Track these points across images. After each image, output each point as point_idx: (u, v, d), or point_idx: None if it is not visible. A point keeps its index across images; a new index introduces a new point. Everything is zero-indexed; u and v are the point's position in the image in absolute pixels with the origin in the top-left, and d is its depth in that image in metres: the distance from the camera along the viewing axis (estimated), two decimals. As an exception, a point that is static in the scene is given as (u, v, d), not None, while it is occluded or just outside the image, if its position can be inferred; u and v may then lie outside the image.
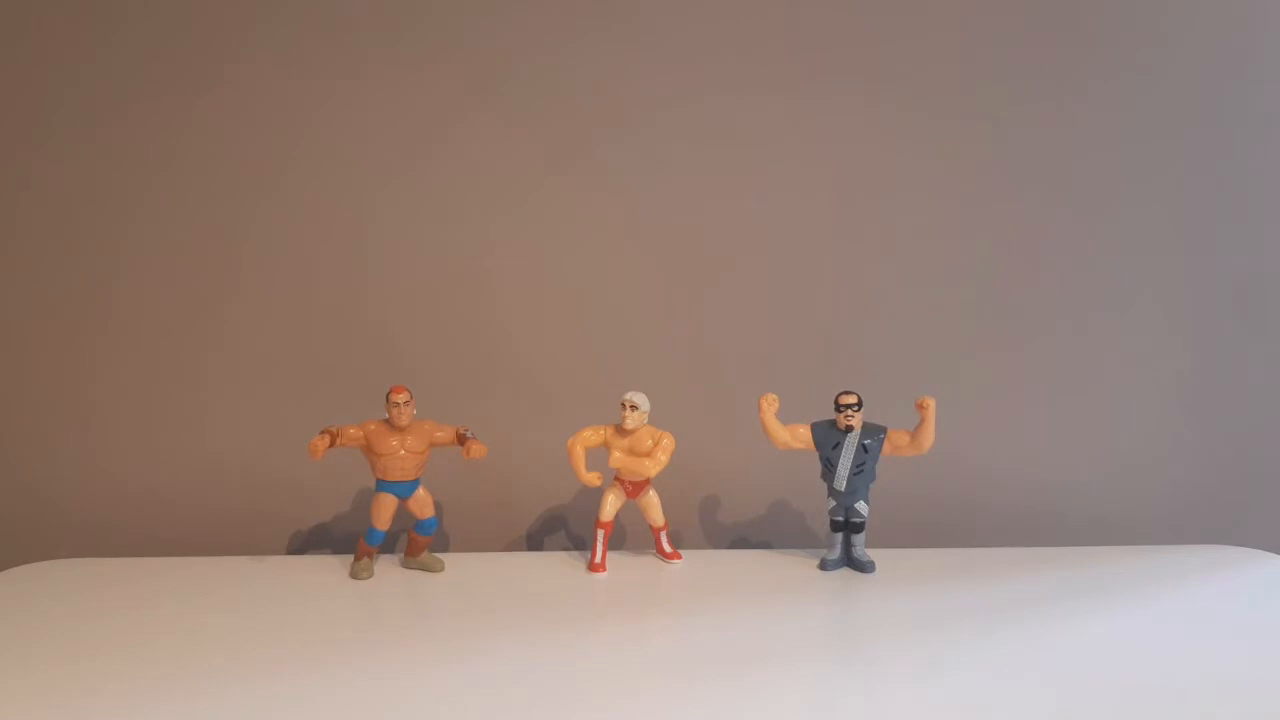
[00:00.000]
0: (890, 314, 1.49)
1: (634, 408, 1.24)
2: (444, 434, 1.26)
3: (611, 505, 1.29)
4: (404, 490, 1.25)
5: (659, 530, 1.31)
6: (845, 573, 1.27)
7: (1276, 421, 1.52)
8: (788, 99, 1.46)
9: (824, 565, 1.27)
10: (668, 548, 1.31)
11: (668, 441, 1.25)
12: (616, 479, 1.29)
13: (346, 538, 1.49)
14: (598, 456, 1.27)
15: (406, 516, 1.27)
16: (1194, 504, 1.53)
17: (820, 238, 1.48)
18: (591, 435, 1.27)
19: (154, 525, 1.47)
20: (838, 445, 1.25)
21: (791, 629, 1.07)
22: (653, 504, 1.30)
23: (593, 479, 1.26)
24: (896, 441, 1.24)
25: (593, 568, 1.27)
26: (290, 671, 0.96)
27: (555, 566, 1.29)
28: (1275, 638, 1.05)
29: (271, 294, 1.46)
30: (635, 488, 1.29)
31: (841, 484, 1.25)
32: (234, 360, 1.47)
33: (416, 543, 1.28)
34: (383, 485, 1.24)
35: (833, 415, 1.25)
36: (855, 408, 1.23)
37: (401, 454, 1.23)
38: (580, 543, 1.50)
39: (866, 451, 1.24)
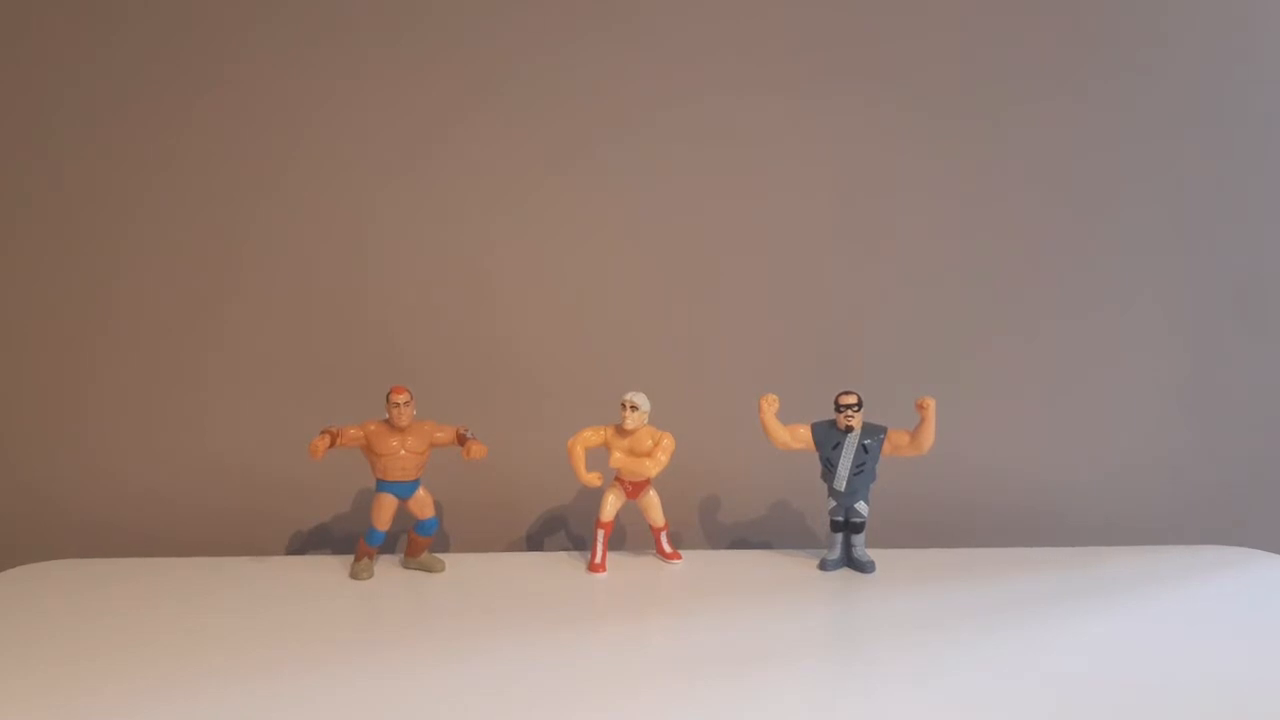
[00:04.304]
0: (890, 314, 1.49)
1: (634, 408, 1.24)
2: (444, 434, 1.26)
3: (612, 505, 1.29)
4: (404, 490, 1.25)
5: (659, 530, 1.31)
6: (845, 573, 1.27)
7: (1276, 422, 1.52)
8: (788, 99, 1.46)
9: (824, 565, 1.27)
10: (668, 548, 1.31)
11: (668, 442, 1.25)
12: (616, 479, 1.29)
13: (346, 538, 1.49)
14: (598, 456, 1.27)
15: (406, 517, 1.27)
16: (1194, 504, 1.53)
17: (820, 238, 1.48)
18: (592, 435, 1.27)
19: (154, 525, 1.47)
20: (838, 445, 1.25)
21: (791, 629, 1.07)
22: (653, 504, 1.30)
23: (593, 479, 1.26)
24: (896, 441, 1.24)
25: (593, 568, 1.27)
26: (290, 671, 0.96)
27: (555, 566, 1.29)
28: (1275, 638, 1.05)
29: (271, 294, 1.46)
30: (635, 488, 1.29)
31: (841, 484, 1.25)
32: (234, 360, 1.47)
33: (417, 543, 1.28)
34: (383, 485, 1.24)
35: (833, 415, 1.25)
36: (855, 408, 1.23)
37: (402, 454, 1.23)
38: (580, 543, 1.50)
39: (866, 452, 1.24)
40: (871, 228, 1.48)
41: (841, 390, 1.24)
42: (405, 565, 1.29)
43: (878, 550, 1.29)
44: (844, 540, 1.28)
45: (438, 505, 1.29)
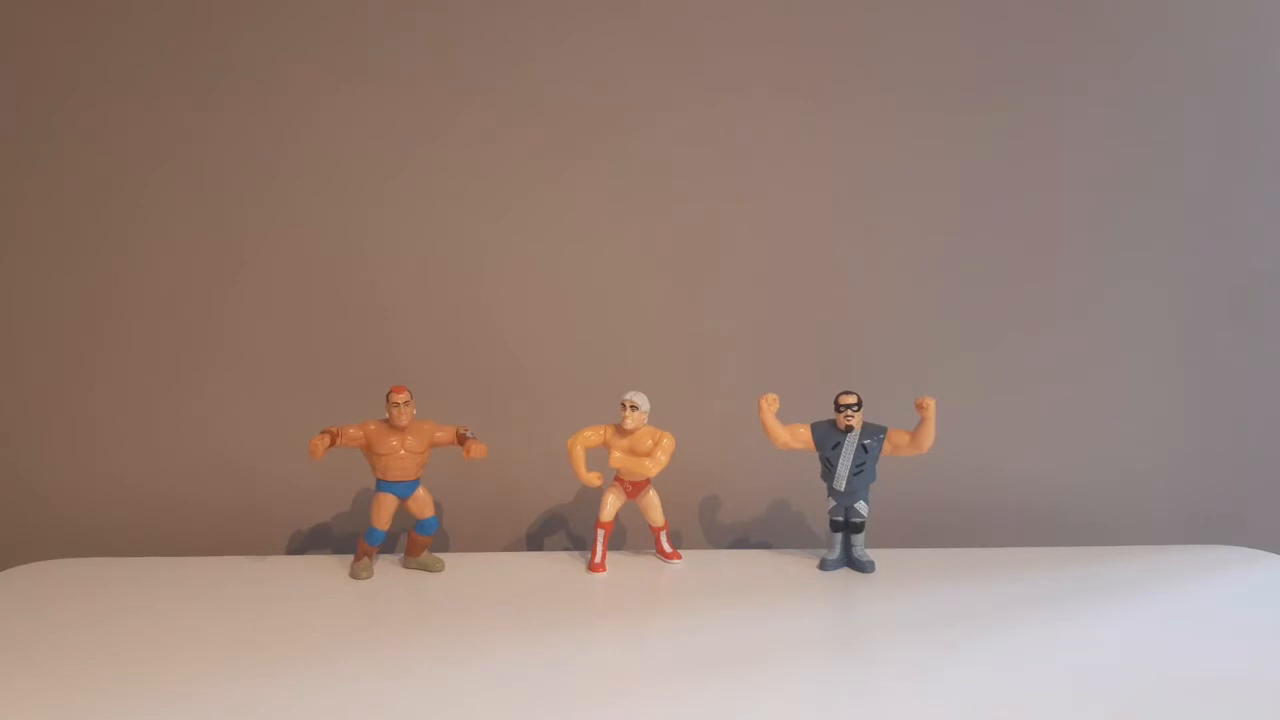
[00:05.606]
0: (890, 314, 1.49)
1: (634, 408, 1.24)
2: (444, 434, 1.26)
3: (611, 505, 1.29)
4: (404, 490, 1.25)
5: (659, 530, 1.31)
6: (845, 573, 1.27)
7: (1276, 421, 1.52)
8: (787, 99, 1.46)
9: (824, 565, 1.27)
10: (668, 548, 1.31)
11: (668, 441, 1.25)
12: (617, 479, 1.29)
13: (346, 538, 1.49)
14: (598, 456, 1.27)
15: (406, 516, 1.27)
16: (1194, 504, 1.53)
17: (820, 238, 1.48)
18: (592, 435, 1.27)
19: (154, 525, 1.47)
20: (838, 445, 1.25)
21: (791, 629, 1.07)
22: (653, 504, 1.30)
23: (593, 479, 1.26)
24: (896, 441, 1.24)
25: (593, 568, 1.27)
26: (290, 671, 0.96)
27: (555, 566, 1.29)
28: (1275, 638, 1.05)
29: (271, 294, 1.46)
30: (635, 488, 1.29)
31: (841, 484, 1.25)
32: (234, 360, 1.47)
33: (416, 543, 1.28)
34: (383, 485, 1.24)
35: (833, 415, 1.25)
36: (855, 408, 1.23)
37: (402, 454, 1.23)
38: (580, 543, 1.50)
39: (866, 451, 1.24)
40: (871, 227, 1.48)
41: (841, 390, 1.24)
42: (405, 565, 1.29)
43: (878, 550, 1.29)
44: (844, 540, 1.28)
45: (438, 505, 1.29)
